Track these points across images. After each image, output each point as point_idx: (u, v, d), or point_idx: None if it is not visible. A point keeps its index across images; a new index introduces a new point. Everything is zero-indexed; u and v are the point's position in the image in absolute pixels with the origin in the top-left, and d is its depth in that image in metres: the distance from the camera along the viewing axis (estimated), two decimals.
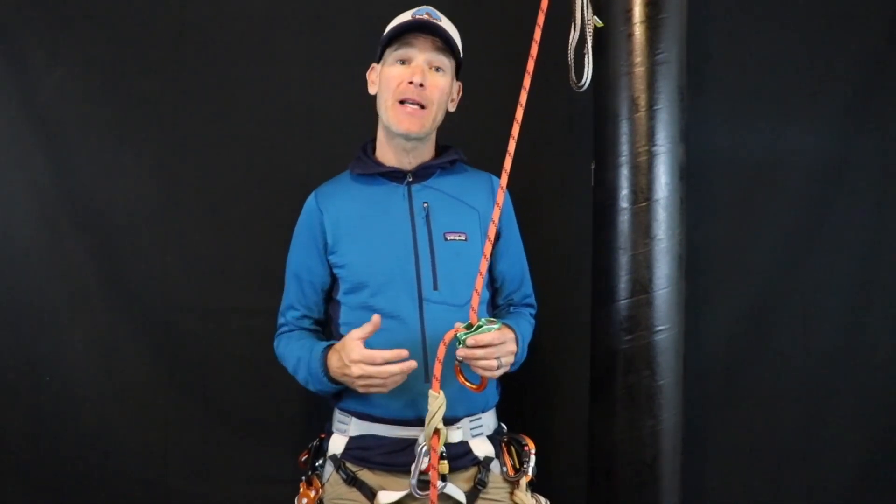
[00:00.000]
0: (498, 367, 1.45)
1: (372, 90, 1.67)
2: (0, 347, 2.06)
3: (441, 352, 1.39)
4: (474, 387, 1.47)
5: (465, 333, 1.41)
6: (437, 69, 1.59)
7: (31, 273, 2.05)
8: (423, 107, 1.57)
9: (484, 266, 1.43)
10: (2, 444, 2.05)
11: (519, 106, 1.43)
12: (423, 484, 1.49)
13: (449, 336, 1.40)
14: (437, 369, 1.38)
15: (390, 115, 1.58)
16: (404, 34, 1.57)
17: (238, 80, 2.10)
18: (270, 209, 2.07)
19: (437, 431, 1.40)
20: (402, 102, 1.57)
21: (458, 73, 1.66)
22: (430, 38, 1.56)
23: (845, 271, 2.12)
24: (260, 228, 2.08)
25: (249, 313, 2.06)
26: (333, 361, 1.50)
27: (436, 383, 1.38)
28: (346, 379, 1.47)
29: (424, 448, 1.45)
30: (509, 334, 1.49)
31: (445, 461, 1.49)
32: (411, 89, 1.55)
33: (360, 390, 1.46)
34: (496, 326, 1.43)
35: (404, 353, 1.42)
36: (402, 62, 1.58)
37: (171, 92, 2.08)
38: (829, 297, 2.11)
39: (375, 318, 1.45)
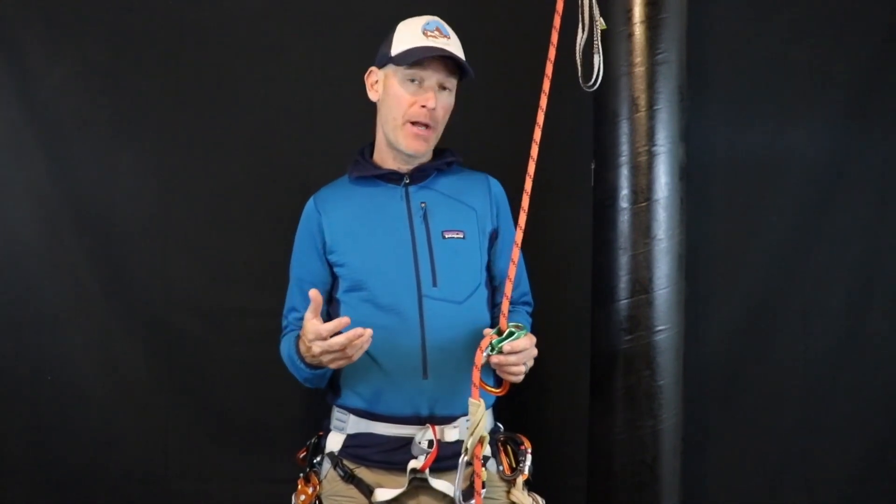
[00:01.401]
0: (522, 372, 1.48)
1: (372, 96, 1.66)
2: (1, 347, 2.06)
3: (479, 358, 1.40)
4: (498, 391, 1.51)
5: (500, 340, 1.43)
6: (446, 88, 1.60)
7: (31, 273, 2.05)
8: (428, 126, 1.59)
9: (513, 271, 1.45)
10: (2, 444, 2.06)
11: (539, 110, 1.44)
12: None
13: (485, 343, 1.42)
14: (476, 376, 1.39)
15: (399, 135, 1.60)
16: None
17: (238, 79, 2.10)
18: (270, 209, 2.07)
19: (480, 439, 1.40)
20: (411, 122, 1.58)
21: None
22: (442, 61, 1.56)
23: (845, 271, 2.12)
24: (260, 229, 2.08)
25: (249, 313, 2.07)
26: (303, 347, 1.50)
27: (475, 390, 1.38)
28: (315, 360, 1.46)
29: (466, 458, 1.44)
30: (533, 338, 1.51)
31: (485, 469, 1.49)
32: (423, 112, 1.57)
33: (332, 367, 1.46)
34: (525, 332, 1.45)
35: (346, 321, 1.39)
36: (413, 81, 1.58)
37: (171, 92, 2.08)
38: (829, 297, 2.11)
39: (314, 293, 1.41)
